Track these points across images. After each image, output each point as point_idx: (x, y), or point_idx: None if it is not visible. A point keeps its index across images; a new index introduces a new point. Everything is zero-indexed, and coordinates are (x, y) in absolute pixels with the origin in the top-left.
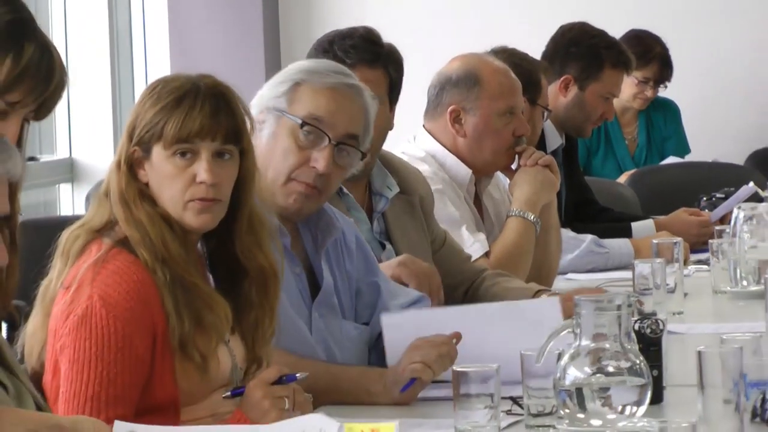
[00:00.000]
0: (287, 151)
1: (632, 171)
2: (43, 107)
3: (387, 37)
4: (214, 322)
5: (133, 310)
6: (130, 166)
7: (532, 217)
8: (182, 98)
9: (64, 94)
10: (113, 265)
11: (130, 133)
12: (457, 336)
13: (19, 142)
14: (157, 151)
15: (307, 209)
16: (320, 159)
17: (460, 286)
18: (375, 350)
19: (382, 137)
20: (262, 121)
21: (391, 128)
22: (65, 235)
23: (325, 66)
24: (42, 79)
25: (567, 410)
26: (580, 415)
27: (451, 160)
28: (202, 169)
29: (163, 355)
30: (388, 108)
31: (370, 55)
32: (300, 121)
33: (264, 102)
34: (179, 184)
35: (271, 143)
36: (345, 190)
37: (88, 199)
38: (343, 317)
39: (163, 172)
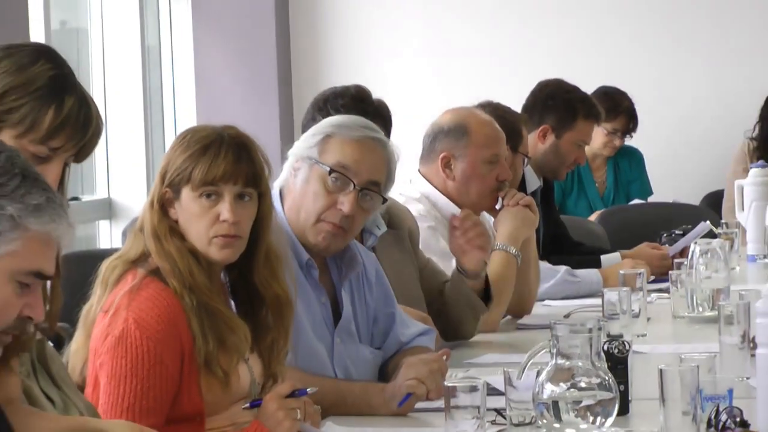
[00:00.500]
0: (317, 195)
1: (601, 210)
2: (82, 152)
3: (384, 90)
4: (236, 343)
5: (164, 332)
6: (162, 205)
7: (514, 251)
8: (208, 146)
9: (101, 140)
10: (146, 292)
11: (162, 175)
12: (447, 353)
13: (62, 184)
14: (186, 193)
15: (335, 246)
16: (346, 202)
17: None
18: (383, 370)
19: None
20: (297, 168)
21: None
22: (104, 265)
23: (352, 121)
24: (80, 127)
25: (545, 420)
26: (557, 425)
27: (443, 200)
28: (225, 209)
29: (190, 371)
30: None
31: (357, 113)
32: (329, 169)
33: (299, 151)
34: (205, 221)
35: (304, 187)
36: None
37: (124, 234)
38: (360, 342)
39: (191, 211)
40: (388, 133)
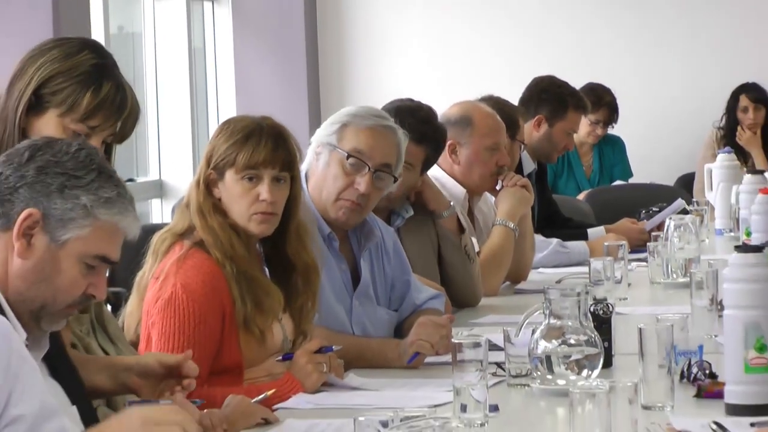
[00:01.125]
0: (336, 177)
1: (588, 190)
2: (121, 133)
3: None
4: (271, 306)
5: (207, 295)
6: (207, 185)
7: (512, 225)
8: (250, 135)
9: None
10: (191, 261)
11: (207, 159)
12: (452, 318)
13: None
14: (230, 175)
15: (353, 221)
16: (362, 183)
17: None
18: (399, 330)
19: (410, 191)
20: (319, 153)
21: (417, 187)
22: (155, 238)
23: (366, 110)
24: (116, 110)
25: (539, 372)
26: (549, 377)
27: (450, 182)
28: (264, 190)
29: (230, 330)
30: (419, 174)
31: (419, 135)
32: (346, 154)
33: (320, 138)
34: (246, 200)
35: (324, 170)
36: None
37: (173, 210)
38: (378, 305)
39: (234, 191)
40: (436, 157)
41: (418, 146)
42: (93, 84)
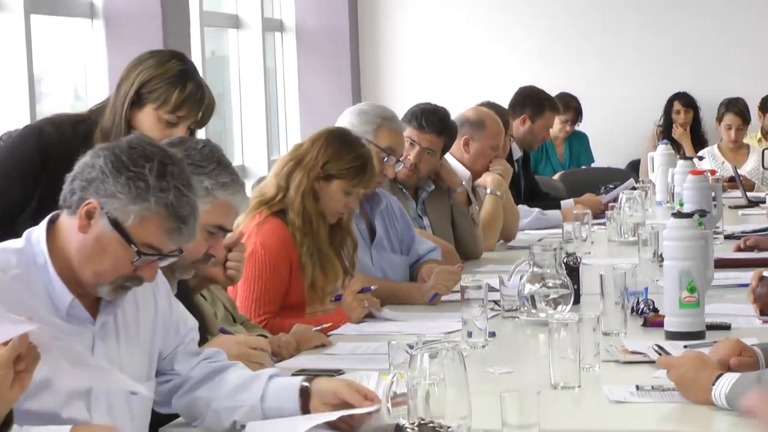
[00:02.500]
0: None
1: (561, 172)
2: (201, 121)
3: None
4: (334, 275)
5: (279, 252)
6: (311, 180)
7: (498, 193)
8: (365, 167)
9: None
10: (268, 225)
11: (324, 163)
12: (462, 266)
13: None
14: (337, 185)
15: (376, 198)
16: (390, 171)
17: None
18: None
19: (432, 171)
20: None
21: (437, 168)
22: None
23: (390, 114)
24: (197, 103)
25: (525, 308)
26: (533, 311)
27: (460, 166)
28: (353, 203)
29: (295, 278)
30: (439, 158)
31: (438, 129)
32: (382, 150)
33: (357, 131)
34: (340, 205)
35: None
36: (403, 189)
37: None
38: (392, 252)
39: (335, 196)
40: (451, 143)
41: (439, 137)
42: (180, 84)
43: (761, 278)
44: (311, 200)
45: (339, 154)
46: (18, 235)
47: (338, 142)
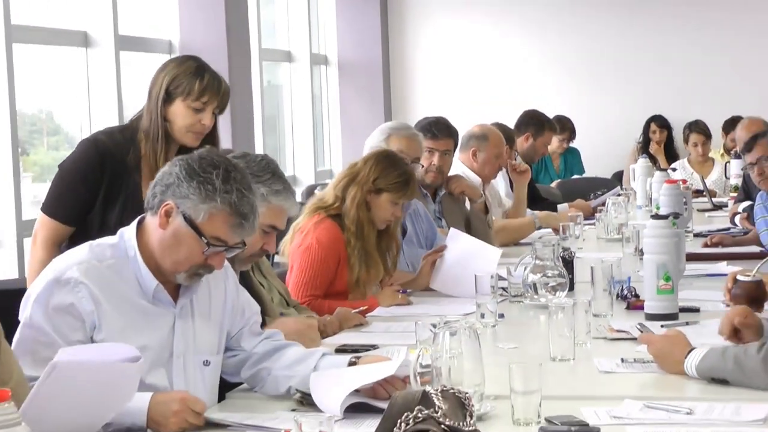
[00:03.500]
0: None
1: (558, 181)
2: (220, 105)
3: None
4: (376, 274)
5: (330, 248)
6: (364, 193)
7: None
8: (408, 182)
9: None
10: (324, 225)
11: (374, 179)
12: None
13: (214, 132)
14: (386, 197)
15: None
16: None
17: None
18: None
19: (448, 171)
20: None
21: (450, 167)
22: (306, 206)
23: (399, 125)
24: (216, 90)
25: (529, 293)
26: (535, 296)
27: (472, 174)
28: (399, 213)
29: (341, 271)
30: (452, 157)
31: (447, 133)
32: None
33: (372, 144)
34: (387, 214)
35: None
36: (424, 191)
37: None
38: (419, 247)
39: (384, 207)
40: (456, 145)
41: (450, 139)
42: (199, 76)
43: (735, 280)
44: (364, 210)
45: (387, 171)
46: (89, 229)
47: (386, 161)
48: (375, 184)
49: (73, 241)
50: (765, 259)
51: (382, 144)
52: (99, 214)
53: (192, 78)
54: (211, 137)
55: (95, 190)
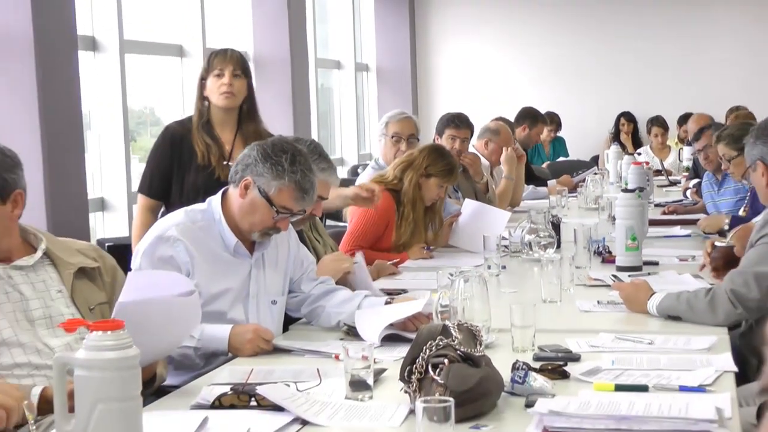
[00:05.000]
0: (388, 148)
1: (547, 162)
2: (237, 68)
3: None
4: (418, 240)
5: (382, 214)
6: (417, 176)
7: (511, 177)
8: (452, 170)
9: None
10: (382, 195)
11: (426, 166)
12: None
13: (250, 96)
14: (434, 181)
15: None
16: (403, 147)
17: None
18: None
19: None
20: (379, 139)
21: (467, 150)
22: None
23: (394, 113)
24: (222, 54)
25: (525, 249)
26: (530, 252)
27: (484, 160)
28: (443, 194)
29: (387, 233)
30: (469, 143)
31: (466, 124)
32: (391, 135)
33: (379, 129)
34: (434, 195)
35: (384, 147)
36: None
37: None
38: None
39: (431, 189)
40: (472, 135)
41: (468, 129)
42: (216, 55)
43: (713, 246)
44: (417, 189)
45: (437, 161)
46: (173, 198)
47: (436, 153)
48: (427, 170)
49: (168, 208)
50: (736, 228)
51: (383, 129)
52: (177, 184)
53: (208, 58)
54: (249, 100)
55: (172, 165)
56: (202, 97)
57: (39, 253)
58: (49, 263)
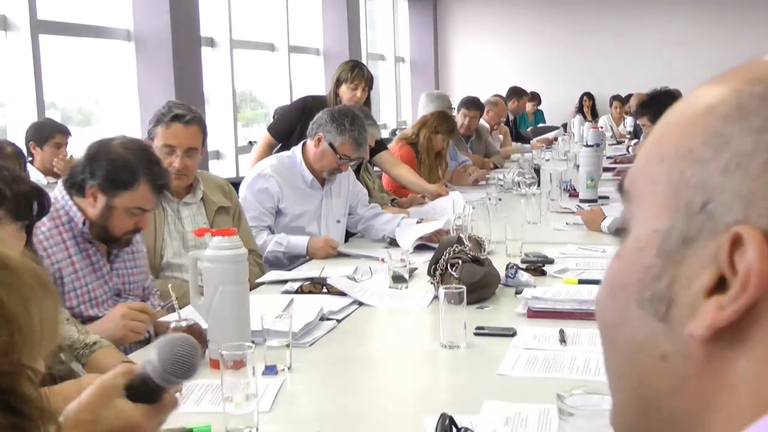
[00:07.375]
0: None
1: (530, 128)
2: (368, 86)
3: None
4: (433, 179)
5: (408, 159)
6: (429, 133)
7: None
8: (454, 129)
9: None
10: (405, 149)
11: (435, 125)
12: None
13: (367, 101)
14: (440, 135)
15: None
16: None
17: None
18: None
19: (475, 127)
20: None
21: (476, 125)
22: (394, 139)
23: (438, 94)
24: (359, 72)
25: (514, 187)
26: (519, 189)
27: (484, 123)
28: (447, 146)
29: None
30: (479, 120)
31: (476, 107)
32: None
33: (424, 105)
34: (441, 146)
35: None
36: (461, 137)
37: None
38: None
39: (439, 142)
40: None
41: (478, 110)
42: (351, 70)
43: None
44: (429, 142)
45: (442, 122)
46: (288, 145)
47: (442, 116)
48: (436, 128)
49: (282, 148)
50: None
51: (431, 105)
52: (296, 138)
53: (349, 71)
54: (366, 103)
55: (295, 124)
56: (335, 93)
57: (200, 194)
58: (201, 200)
